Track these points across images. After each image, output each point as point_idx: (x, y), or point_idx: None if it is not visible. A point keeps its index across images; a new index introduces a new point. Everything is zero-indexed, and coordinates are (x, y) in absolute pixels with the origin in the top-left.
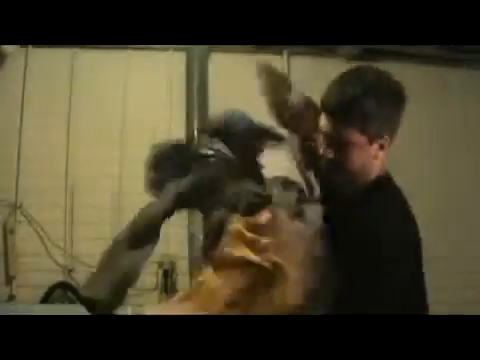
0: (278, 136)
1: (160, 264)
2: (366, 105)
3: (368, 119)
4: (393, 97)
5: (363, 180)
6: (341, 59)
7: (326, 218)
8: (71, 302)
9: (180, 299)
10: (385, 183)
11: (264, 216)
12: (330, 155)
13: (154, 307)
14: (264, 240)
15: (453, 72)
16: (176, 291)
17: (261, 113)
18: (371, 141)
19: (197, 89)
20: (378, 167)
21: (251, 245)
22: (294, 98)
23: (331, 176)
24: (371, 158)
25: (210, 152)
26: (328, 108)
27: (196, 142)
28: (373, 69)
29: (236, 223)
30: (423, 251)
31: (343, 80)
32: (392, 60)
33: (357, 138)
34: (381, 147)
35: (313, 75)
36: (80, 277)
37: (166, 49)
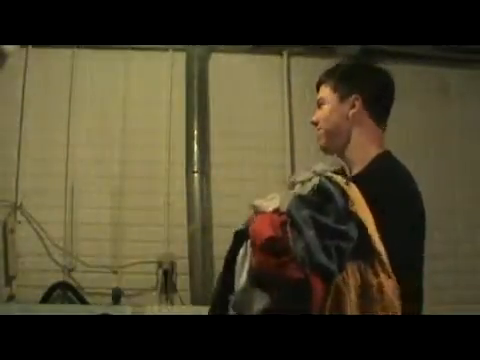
0: None
1: (160, 264)
2: (342, 67)
3: (340, 77)
4: (374, 72)
5: (339, 143)
6: (341, 59)
7: None
8: (71, 302)
9: None
10: (386, 159)
11: None
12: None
13: None
14: None
15: (453, 72)
16: (176, 291)
17: (260, 113)
18: (342, 99)
19: (197, 89)
20: (350, 128)
21: None
22: None
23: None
24: (344, 118)
25: None
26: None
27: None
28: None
29: None
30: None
31: None
32: (392, 60)
33: (330, 95)
34: (352, 106)
35: (313, 75)
36: (80, 277)
37: (166, 49)
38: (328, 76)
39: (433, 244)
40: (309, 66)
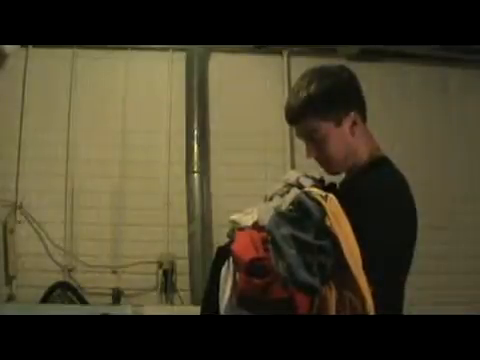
0: None
1: (160, 264)
2: (311, 93)
3: (319, 103)
4: (335, 76)
5: (355, 160)
6: (341, 59)
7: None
8: (71, 302)
9: None
10: (381, 161)
11: None
12: (313, 155)
13: None
14: None
15: (453, 72)
16: (176, 291)
17: (260, 113)
18: (338, 123)
19: (197, 89)
20: (362, 144)
21: None
22: None
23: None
24: (348, 137)
25: None
26: (290, 119)
27: None
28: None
29: None
30: (423, 251)
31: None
32: (392, 60)
33: (323, 126)
34: (354, 123)
35: None
36: (80, 277)
37: (166, 49)
38: (299, 112)
39: (434, 244)
40: (309, 66)
